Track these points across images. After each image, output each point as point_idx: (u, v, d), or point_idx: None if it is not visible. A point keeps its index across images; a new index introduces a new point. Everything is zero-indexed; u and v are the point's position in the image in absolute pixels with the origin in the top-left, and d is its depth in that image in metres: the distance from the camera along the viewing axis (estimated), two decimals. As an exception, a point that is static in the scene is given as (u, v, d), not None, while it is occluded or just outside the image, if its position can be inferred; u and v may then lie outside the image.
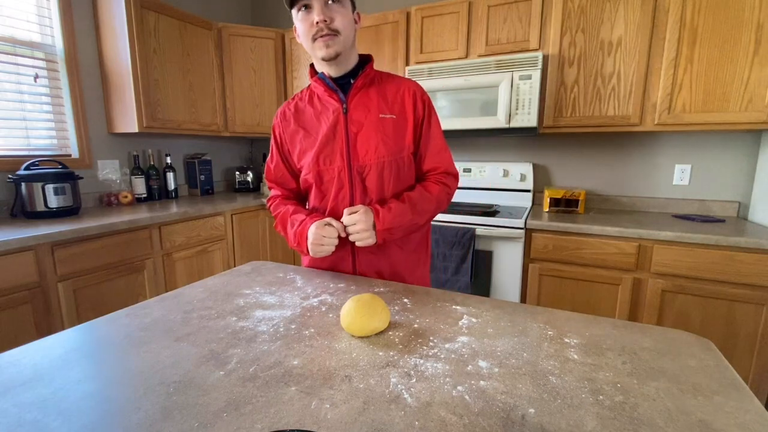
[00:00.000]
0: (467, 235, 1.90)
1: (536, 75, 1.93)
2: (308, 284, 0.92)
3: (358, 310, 0.66)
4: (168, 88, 2.26)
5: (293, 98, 1.07)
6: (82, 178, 1.95)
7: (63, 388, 0.52)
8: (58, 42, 2.03)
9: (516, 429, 0.44)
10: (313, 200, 1.06)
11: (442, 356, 0.60)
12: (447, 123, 2.15)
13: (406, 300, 0.82)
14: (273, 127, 1.09)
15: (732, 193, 1.98)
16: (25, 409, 0.48)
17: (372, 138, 0.97)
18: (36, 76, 1.97)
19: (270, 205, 1.12)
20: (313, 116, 1.01)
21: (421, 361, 0.58)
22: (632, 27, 1.80)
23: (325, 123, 0.99)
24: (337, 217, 0.97)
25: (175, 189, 2.57)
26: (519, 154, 2.42)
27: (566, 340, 0.64)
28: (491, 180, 2.39)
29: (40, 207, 1.76)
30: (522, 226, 1.84)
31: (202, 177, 2.74)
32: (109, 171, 2.27)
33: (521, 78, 1.96)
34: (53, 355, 0.61)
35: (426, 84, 2.16)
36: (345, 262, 1.04)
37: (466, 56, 2.18)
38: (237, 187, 3.00)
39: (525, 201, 2.32)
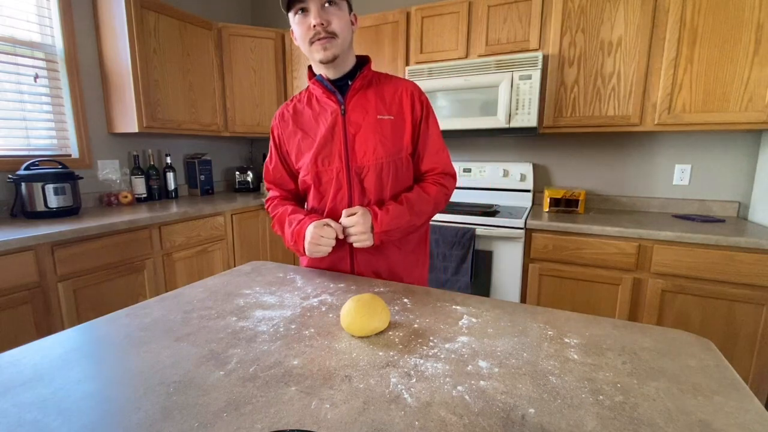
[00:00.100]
0: (467, 235, 1.90)
1: (536, 75, 1.93)
2: (308, 284, 0.92)
3: (358, 310, 0.66)
4: (168, 88, 2.26)
5: (291, 100, 1.08)
6: (82, 178, 1.95)
7: (63, 388, 0.52)
8: (58, 42, 2.02)
9: (516, 429, 0.44)
10: (311, 201, 1.06)
11: (442, 356, 0.60)
12: (447, 123, 2.15)
13: (406, 300, 0.82)
14: (271, 129, 1.09)
15: (732, 193, 1.98)
16: (25, 409, 0.48)
17: (370, 139, 0.97)
18: (36, 76, 1.97)
19: (268, 206, 1.12)
20: (312, 118, 1.02)
21: (421, 361, 0.58)
22: (632, 27, 1.80)
23: (323, 124, 0.99)
24: (336, 217, 0.97)
25: (175, 189, 2.57)
26: (519, 154, 2.42)
27: (566, 340, 0.64)
28: (491, 180, 2.39)
29: (40, 207, 1.76)
30: (522, 226, 1.84)
31: (202, 177, 2.74)
32: (109, 171, 2.27)
33: (521, 78, 1.96)
34: (53, 355, 0.61)
35: (426, 84, 2.17)
36: (343, 262, 1.04)
37: (466, 56, 2.18)
38: (237, 187, 3.00)
39: (525, 201, 2.32)
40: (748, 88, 1.64)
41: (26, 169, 1.78)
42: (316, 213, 1.04)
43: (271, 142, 1.10)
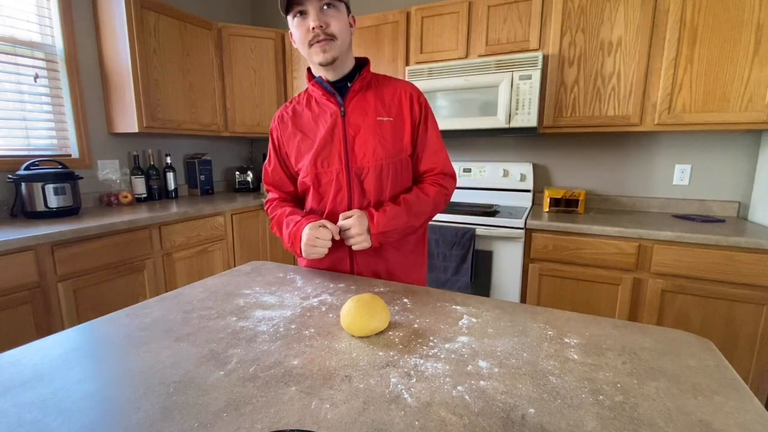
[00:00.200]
0: (467, 235, 1.90)
1: (536, 75, 1.93)
2: (308, 284, 0.92)
3: (358, 310, 0.66)
4: (168, 88, 2.26)
5: (290, 102, 1.08)
6: (82, 178, 1.95)
7: (63, 388, 0.52)
8: (58, 42, 2.03)
9: (516, 429, 0.44)
10: (310, 202, 1.06)
11: (442, 356, 0.60)
12: (447, 123, 2.15)
13: (406, 300, 0.82)
14: (270, 131, 1.09)
15: (732, 193, 1.98)
16: (25, 409, 0.48)
17: (370, 141, 0.97)
18: (36, 76, 1.97)
19: (267, 208, 1.12)
20: (311, 119, 1.02)
21: (421, 361, 0.58)
22: (632, 27, 1.80)
23: (323, 126, 0.99)
24: (335, 219, 0.97)
25: (175, 189, 2.57)
26: (519, 154, 2.42)
27: (566, 340, 0.64)
28: (491, 180, 2.39)
29: (40, 207, 1.76)
30: (522, 226, 1.84)
31: (202, 177, 2.74)
32: (109, 171, 2.27)
33: (521, 78, 1.96)
34: (53, 355, 0.61)
35: (426, 84, 2.17)
36: (343, 263, 1.04)
37: (466, 56, 2.18)
38: (237, 187, 3.00)
39: (525, 201, 2.32)
40: (748, 88, 1.64)
41: (26, 169, 1.78)
42: (315, 214, 1.04)
43: (270, 145, 1.10)
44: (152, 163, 2.45)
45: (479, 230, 1.90)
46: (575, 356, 0.59)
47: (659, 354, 0.60)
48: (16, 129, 1.91)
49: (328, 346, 0.63)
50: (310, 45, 0.91)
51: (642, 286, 1.69)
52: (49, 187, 1.77)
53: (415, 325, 0.70)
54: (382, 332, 0.67)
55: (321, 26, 0.88)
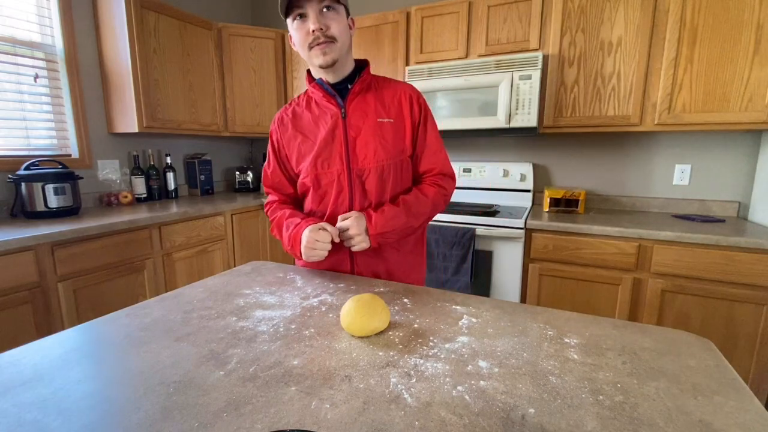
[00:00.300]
0: (467, 235, 1.90)
1: (536, 75, 1.93)
2: (308, 284, 0.92)
3: (358, 310, 0.66)
4: (168, 88, 2.26)
5: (290, 104, 1.08)
6: (82, 178, 1.95)
7: (63, 388, 0.52)
8: (58, 42, 2.03)
9: (516, 429, 0.44)
10: (310, 204, 1.06)
11: (442, 356, 0.60)
12: (447, 123, 2.15)
13: (406, 300, 0.82)
14: (270, 133, 1.09)
15: (732, 193, 1.98)
16: (25, 409, 0.48)
17: (371, 142, 0.97)
18: (36, 76, 1.97)
19: (267, 210, 1.12)
20: (311, 121, 1.02)
21: (421, 361, 0.58)
22: (632, 27, 1.80)
23: (323, 127, 0.99)
24: (335, 221, 0.97)
25: (175, 189, 2.57)
26: (519, 154, 2.42)
27: (566, 340, 0.64)
28: (491, 180, 2.39)
29: (40, 207, 1.76)
30: (522, 226, 1.84)
31: (202, 177, 2.74)
32: (109, 171, 2.27)
33: (521, 78, 1.96)
34: (53, 355, 0.61)
35: (426, 84, 2.17)
36: (343, 264, 1.04)
37: (466, 56, 2.18)
38: (237, 187, 3.00)
39: (525, 201, 2.32)
40: (748, 88, 1.64)
41: (26, 169, 1.78)
42: (315, 216, 1.04)
43: (269, 147, 1.10)
44: (152, 163, 2.45)
45: (479, 230, 1.90)
46: (575, 356, 0.59)
47: (659, 354, 0.60)
48: (16, 129, 1.91)
49: (328, 346, 0.63)
50: (310, 48, 0.91)
51: (642, 286, 1.69)
52: (49, 187, 1.77)
53: (415, 325, 0.70)
54: (382, 332, 0.67)
55: (321, 29, 0.88)
